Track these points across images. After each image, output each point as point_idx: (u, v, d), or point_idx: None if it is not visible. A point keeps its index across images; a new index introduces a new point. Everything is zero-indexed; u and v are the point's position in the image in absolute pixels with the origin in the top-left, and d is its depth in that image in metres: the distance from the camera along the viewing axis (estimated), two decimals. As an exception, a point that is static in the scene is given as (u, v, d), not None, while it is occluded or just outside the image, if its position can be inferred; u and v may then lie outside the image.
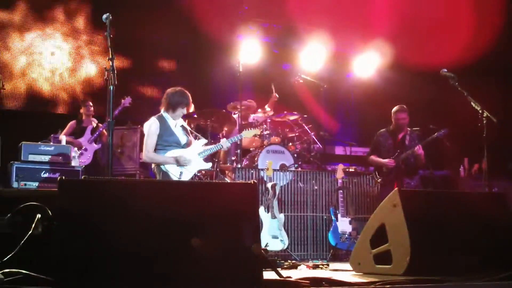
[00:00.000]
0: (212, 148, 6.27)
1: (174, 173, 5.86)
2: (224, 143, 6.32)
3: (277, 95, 9.04)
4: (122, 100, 8.39)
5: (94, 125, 8.44)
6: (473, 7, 9.19)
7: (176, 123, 6.09)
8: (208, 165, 6.20)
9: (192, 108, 6.24)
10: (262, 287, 3.05)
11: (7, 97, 9.26)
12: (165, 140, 5.95)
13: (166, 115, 6.03)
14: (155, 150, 5.91)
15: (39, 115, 9.43)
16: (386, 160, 7.30)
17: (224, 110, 8.37)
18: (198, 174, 6.17)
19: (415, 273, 3.57)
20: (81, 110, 8.58)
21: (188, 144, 6.13)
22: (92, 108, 8.56)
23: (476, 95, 6.24)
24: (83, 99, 8.92)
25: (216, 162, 6.95)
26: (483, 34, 9.04)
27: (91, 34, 9.96)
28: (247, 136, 6.80)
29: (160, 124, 5.95)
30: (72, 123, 8.44)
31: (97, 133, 8.31)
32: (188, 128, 6.31)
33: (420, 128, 7.63)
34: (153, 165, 6.03)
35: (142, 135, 8.46)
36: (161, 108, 6.09)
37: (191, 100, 6.15)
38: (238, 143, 7.47)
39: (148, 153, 5.89)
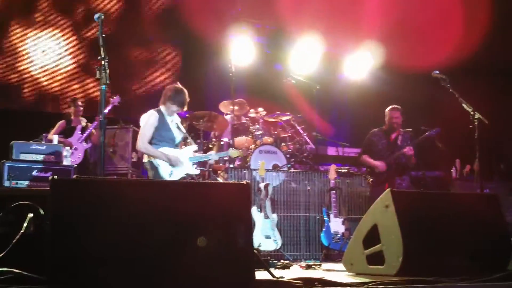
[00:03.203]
0: (202, 157, 6.40)
1: (165, 170, 5.87)
2: (213, 156, 6.47)
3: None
4: (111, 99, 8.38)
5: (84, 124, 8.41)
6: (464, 8, 9.23)
7: (173, 120, 6.11)
8: (197, 171, 6.23)
9: (185, 108, 6.28)
10: (255, 287, 3.04)
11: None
12: (161, 135, 5.96)
13: (165, 111, 6.05)
14: (150, 143, 5.92)
15: (30, 114, 9.39)
16: (377, 163, 7.31)
17: (216, 112, 8.38)
18: (191, 175, 6.16)
19: (408, 273, 3.58)
20: (70, 110, 8.55)
21: (180, 144, 6.16)
22: (81, 108, 8.54)
23: (468, 96, 6.26)
24: (72, 98, 8.88)
25: (208, 162, 6.96)
26: (474, 35, 9.08)
27: (83, 33, 9.93)
28: (233, 155, 6.84)
29: (159, 117, 5.97)
30: (61, 122, 8.40)
31: (87, 132, 8.28)
32: (182, 128, 6.30)
33: (412, 129, 7.65)
34: (145, 159, 6.03)
35: (134, 135, 8.48)
36: (160, 104, 6.10)
37: (188, 98, 6.15)
38: (226, 158, 7.46)
39: (143, 143, 5.89)
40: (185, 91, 6.11)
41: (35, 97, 9.59)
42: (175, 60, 10.58)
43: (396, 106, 7.46)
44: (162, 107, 6.07)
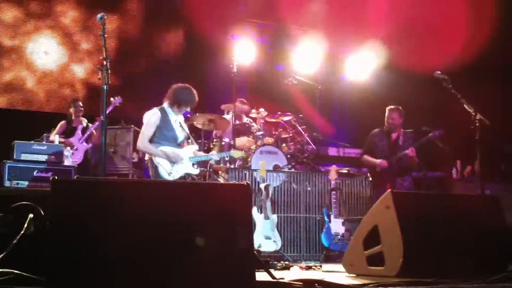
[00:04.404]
0: (202, 157, 6.38)
1: (165, 167, 5.87)
2: (214, 156, 6.46)
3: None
4: (112, 100, 8.39)
5: (84, 124, 8.42)
6: (468, 10, 9.21)
7: (176, 119, 6.10)
8: (196, 171, 6.22)
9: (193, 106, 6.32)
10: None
11: (-1, 95, 9.26)
12: (163, 134, 5.96)
13: (169, 110, 6.05)
14: (151, 141, 5.92)
15: (31, 114, 9.41)
16: (379, 161, 7.30)
17: (218, 112, 8.38)
18: (191, 174, 6.16)
19: (408, 274, 3.58)
20: (71, 110, 8.56)
21: (182, 143, 6.17)
22: (82, 108, 8.55)
23: (470, 97, 6.26)
24: (73, 99, 8.89)
25: (209, 162, 6.95)
26: (477, 36, 9.06)
27: (85, 33, 9.94)
28: (235, 155, 6.86)
29: (162, 116, 5.96)
30: (62, 123, 8.41)
31: (87, 132, 8.29)
32: (185, 127, 6.30)
33: (413, 129, 7.64)
34: (146, 157, 6.06)
35: (135, 135, 8.48)
36: (165, 102, 6.09)
37: (197, 98, 6.14)
38: (226, 159, 7.46)
39: (144, 142, 5.91)
40: (193, 89, 6.10)
41: (37, 97, 9.60)
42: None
43: (396, 107, 7.45)
44: (166, 106, 6.06)
